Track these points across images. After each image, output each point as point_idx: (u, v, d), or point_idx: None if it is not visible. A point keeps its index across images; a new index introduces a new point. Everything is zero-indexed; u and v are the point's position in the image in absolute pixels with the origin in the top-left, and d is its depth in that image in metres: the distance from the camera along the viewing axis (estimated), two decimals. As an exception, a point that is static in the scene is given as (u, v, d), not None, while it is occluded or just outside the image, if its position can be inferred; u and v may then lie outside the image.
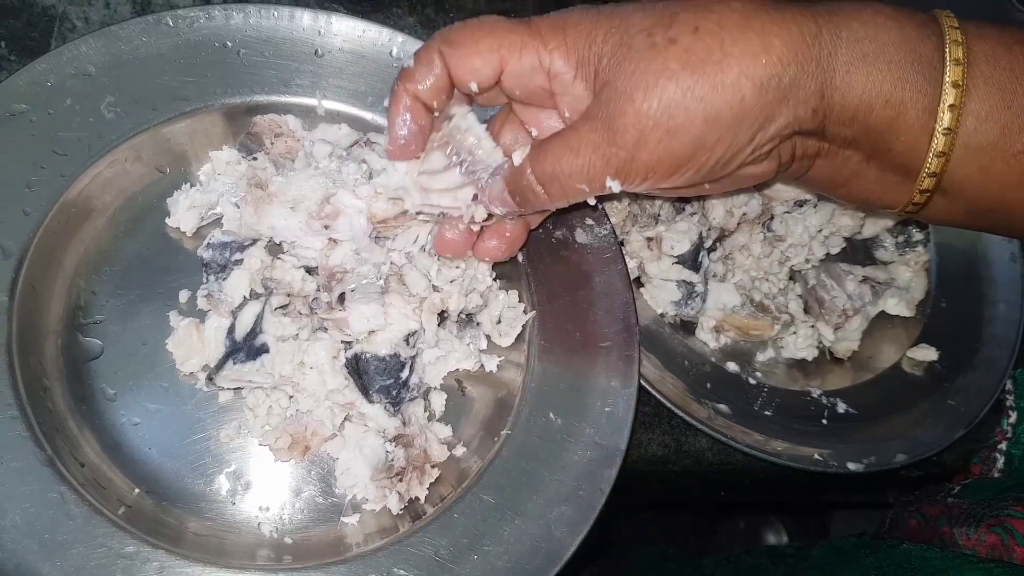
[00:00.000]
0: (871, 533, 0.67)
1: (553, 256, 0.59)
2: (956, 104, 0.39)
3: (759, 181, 0.45)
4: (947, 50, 0.39)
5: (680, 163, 0.41)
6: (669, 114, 0.38)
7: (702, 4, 0.39)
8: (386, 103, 0.46)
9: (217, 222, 0.55)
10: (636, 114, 0.39)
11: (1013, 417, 0.68)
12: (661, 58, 0.38)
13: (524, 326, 0.57)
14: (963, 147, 0.40)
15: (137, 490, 0.48)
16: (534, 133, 0.49)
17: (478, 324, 0.58)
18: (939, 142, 0.40)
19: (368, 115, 0.59)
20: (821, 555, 0.65)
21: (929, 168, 0.41)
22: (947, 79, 0.39)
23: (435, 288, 0.53)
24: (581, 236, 0.59)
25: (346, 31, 0.59)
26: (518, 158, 0.44)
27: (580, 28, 0.41)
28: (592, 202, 0.46)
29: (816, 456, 0.58)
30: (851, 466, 0.59)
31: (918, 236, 0.72)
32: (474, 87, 0.44)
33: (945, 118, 0.39)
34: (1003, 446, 0.68)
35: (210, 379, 0.51)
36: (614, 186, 0.42)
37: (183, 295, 0.53)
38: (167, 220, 0.55)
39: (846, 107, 0.40)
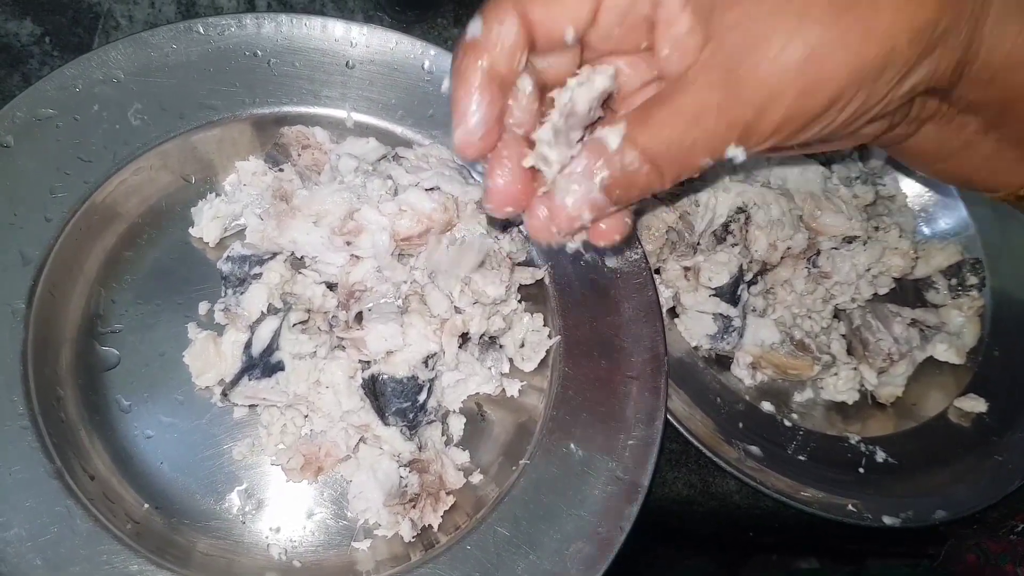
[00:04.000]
0: (925, 567, 0.64)
1: (581, 280, 0.57)
2: None
3: (860, 143, 0.39)
4: None
5: (809, 121, 0.34)
6: (813, 64, 0.32)
7: None
8: (444, 87, 0.38)
9: (240, 233, 0.55)
10: (772, 66, 0.32)
11: None
12: None
13: (548, 351, 0.55)
14: None
15: (146, 506, 0.47)
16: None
17: (501, 347, 0.56)
18: None
19: (398, 129, 0.58)
20: None
21: None
22: None
23: (457, 310, 0.51)
24: (611, 260, 0.57)
25: (378, 43, 0.57)
26: (614, 140, 0.35)
27: None
28: (707, 169, 0.37)
29: (850, 507, 0.55)
30: (887, 520, 0.56)
31: (973, 280, 0.68)
32: (570, 34, 0.35)
33: None
34: None
35: (225, 395, 0.50)
36: (738, 154, 0.35)
37: (202, 307, 0.52)
38: (190, 230, 0.54)
39: (989, 63, 0.34)
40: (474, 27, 0.35)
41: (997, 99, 0.36)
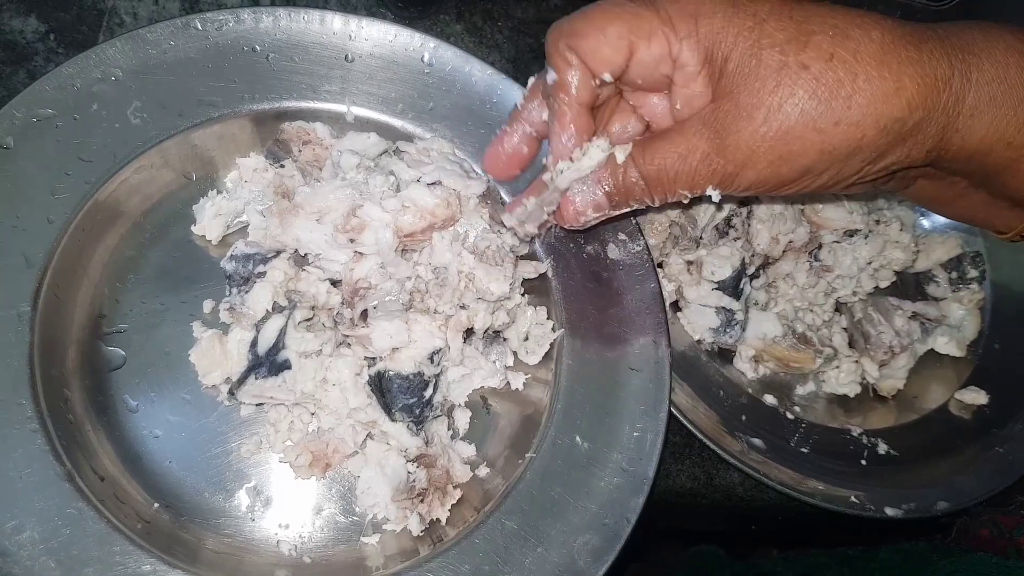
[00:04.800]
0: (939, 543, 0.65)
1: (584, 272, 0.57)
2: None
3: (852, 193, 0.44)
4: None
5: (784, 184, 0.40)
6: (786, 141, 0.38)
7: (841, 27, 0.37)
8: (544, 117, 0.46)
9: (243, 230, 0.55)
10: (752, 134, 0.38)
11: None
12: (789, 82, 0.37)
13: (552, 344, 0.55)
14: None
15: (156, 505, 0.47)
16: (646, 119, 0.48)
17: (505, 340, 0.56)
18: None
19: (398, 122, 0.58)
20: (889, 557, 0.62)
21: None
22: None
23: (462, 306, 0.52)
24: (613, 252, 0.57)
25: (377, 36, 0.57)
26: (621, 155, 0.43)
27: (713, 21, 0.39)
28: (686, 201, 0.45)
29: (852, 499, 0.56)
30: (889, 511, 0.56)
31: (973, 273, 0.69)
32: (607, 77, 0.42)
33: None
34: None
35: (231, 394, 0.50)
36: (714, 195, 0.42)
37: (207, 305, 0.52)
38: (193, 228, 0.54)
39: (964, 149, 0.39)
40: (550, 75, 0.43)
41: (978, 171, 0.40)
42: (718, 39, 0.39)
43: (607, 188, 0.45)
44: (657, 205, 0.45)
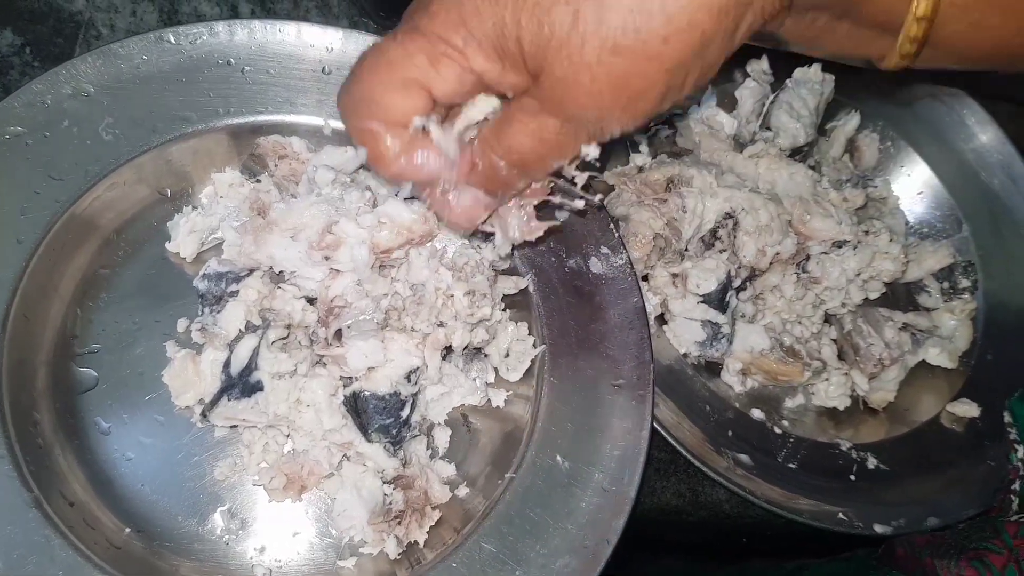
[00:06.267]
0: (862, 554, 0.64)
1: (565, 287, 0.56)
2: None
3: None
4: None
5: (654, 110, 0.37)
6: (626, 85, 0.34)
7: None
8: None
9: (218, 247, 0.54)
10: (590, 98, 0.35)
11: (1021, 451, 0.62)
12: (595, 28, 0.33)
13: (533, 360, 0.55)
14: (950, 5, 0.35)
15: (127, 530, 0.47)
16: None
17: (486, 356, 0.56)
18: (920, 7, 0.35)
19: (376, 136, 0.57)
20: None
21: (910, 32, 0.36)
22: None
23: (440, 323, 0.51)
24: (595, 266, 0.56)
25: (354, 48, 0.56)
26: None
27: (483, 16, 0.35)
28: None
29: (841, 516, 0.55)
30: (878, 528, 0.55)
31: (965, 283, 0.68)
32: (418, 122, 0.40)
33: None
34: (1016, 485, 0.61)
35: (204, 416, 0.49)
36: (591, 151, 0.39)
37: (181, 324, 0.52)
38: (167, 245, 0.53)
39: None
40: (361, 153, 0.41)
41: (834, 3, 0.37)
42: (499, 30, 0.35)
43: (484, 186, 0.42)
44: (541, 179, 0.43)
